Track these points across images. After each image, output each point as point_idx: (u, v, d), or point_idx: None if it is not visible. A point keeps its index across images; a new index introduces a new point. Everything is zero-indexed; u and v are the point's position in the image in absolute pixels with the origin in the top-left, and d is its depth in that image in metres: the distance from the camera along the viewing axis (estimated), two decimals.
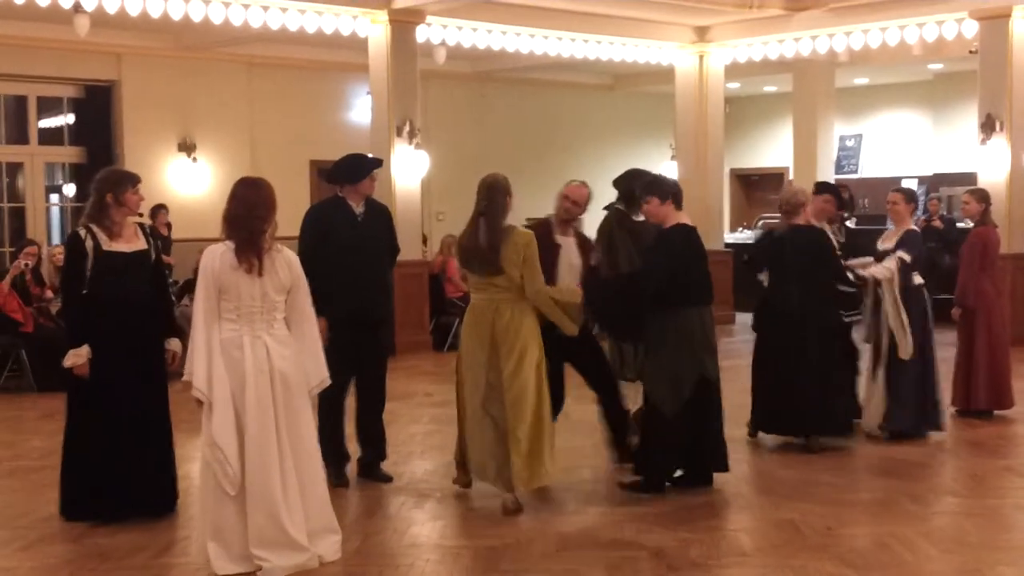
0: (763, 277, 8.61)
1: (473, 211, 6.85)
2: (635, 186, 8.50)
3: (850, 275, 8.58)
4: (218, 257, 5.63)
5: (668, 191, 7.22)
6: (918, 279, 8.68)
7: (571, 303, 7.01)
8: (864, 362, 8.84)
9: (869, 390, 8.74)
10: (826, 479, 7.52)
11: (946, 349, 9.47)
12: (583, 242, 7.82)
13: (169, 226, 14.96)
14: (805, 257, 8.20)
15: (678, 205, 7.20)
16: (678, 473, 7.24)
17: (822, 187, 9.41)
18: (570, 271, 7.56)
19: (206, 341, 5.56)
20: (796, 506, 6.85)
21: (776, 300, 8.31)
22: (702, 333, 7.06)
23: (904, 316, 8.42)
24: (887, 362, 8.56)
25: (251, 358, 5.58)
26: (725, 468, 7.27)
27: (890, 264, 8.53)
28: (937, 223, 16.69)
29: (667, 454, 7.12)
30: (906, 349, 8.43)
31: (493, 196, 6.78)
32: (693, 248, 7.16)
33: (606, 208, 8.33)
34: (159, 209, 14.90)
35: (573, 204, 7.63)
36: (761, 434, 8.67)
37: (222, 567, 5.55)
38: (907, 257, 8.54)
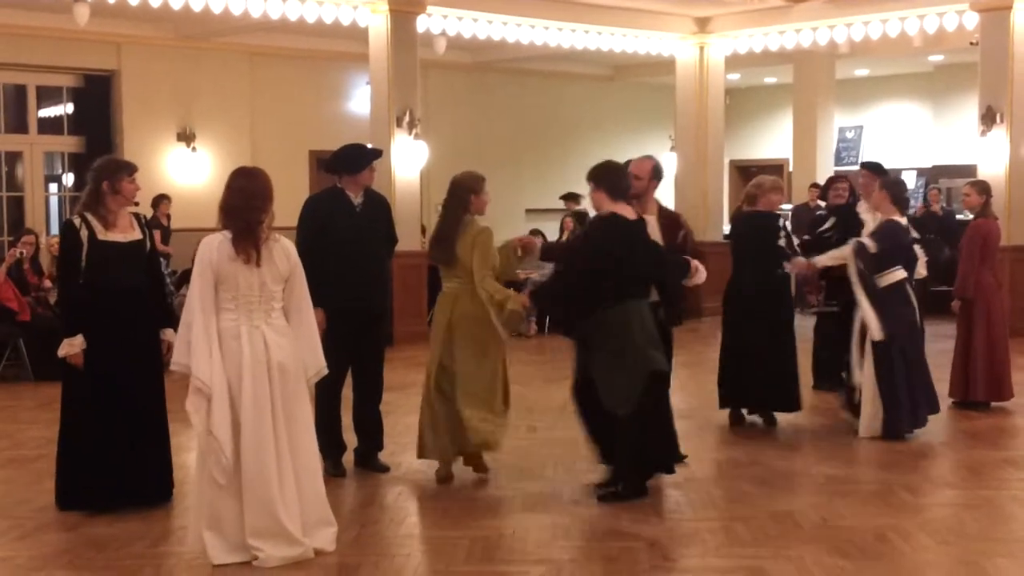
0: None
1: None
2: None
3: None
4: (216, 247, 5.61)
5: (598, 176, 6.88)
6: (897, 274, 8.33)
7: (510, 308, 6.96)
8: (853, 357, 8.61)
9: (863, 392, 8.49)
10: (823, 470, 7.52)
11: (945, 341, 9.47)
12: (666, 217, 7.72)
13: (168, 216, 14.94)
14: (757, 242, 8.76)
15: (613, 195, 6.81)
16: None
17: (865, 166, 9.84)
18: None
19: (205, 331, 5.55)
20: (793, 497, 6.86)
21: (734, 282, 8.92)
22: (642, 328, 6.72)
23: (865, 299, 8.25)
24: (874, 361, 8.34)
25: (249, 348, 5.57)
26: (678, 458, 7.33)
27: (838, 252, 8.52)
28: (936, 209, 16.69)
29: (637, 456, 6.80)
30: (874, 332, 8.24)
31: (454, 191, 7.20)
32: (622, 241, 6.74)
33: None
34: (161, 199, 14.88)
35: (635, 179, 7.40)
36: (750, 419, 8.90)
37: (218, 557, 5.55)
38: (869, 243, 8.28)
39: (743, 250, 8.91)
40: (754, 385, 8.77)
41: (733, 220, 9.42)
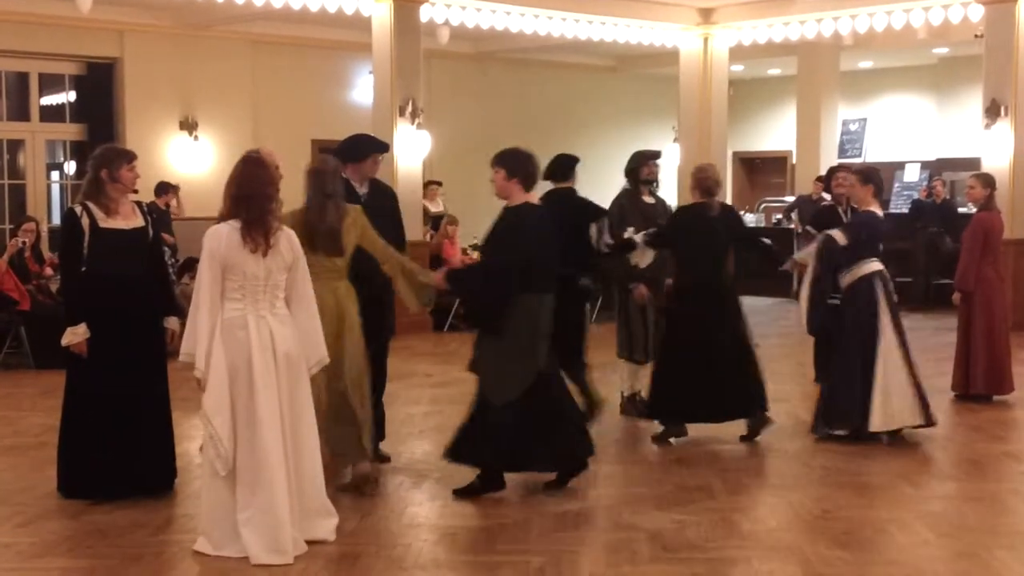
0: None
1: (315, 194, 6.69)
2: (637, 163, 8.70)
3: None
4: (224, 237, 5.58)
5: (518, 167, 6.68)
6: (870, 266, 8.05)
7: (423, 280, 6.82)
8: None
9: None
10: (823, 462, 7.52)
11: (947, 334, 9.47)
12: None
13: (168, 205, 14.86)
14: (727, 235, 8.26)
15: (527, 185, 6.67)
16: (552, 476, 6.80)
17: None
18: None
19: (210, 322, 5.54)
20: (793, 489, 6.86)
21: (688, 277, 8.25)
22: (541, 321, 6.58)
23: (805, 290, 8.15)
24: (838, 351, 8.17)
25: (256, 338, 5.56)
26: (583, 466, 6.88)
27: (812, 248, 8.32)
28: (939, 194, 16.70)
29: (498, 447, 6.54)
30: (805, 325, 8.21)
31: (339, 179, 6.77)
32: (533, 230, 6.58)
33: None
34: (167, 188, 14.77)
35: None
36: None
37: (217, 547, 5.56)
38: (838, 236, 8.09)
39: (721, 244, 8.28)
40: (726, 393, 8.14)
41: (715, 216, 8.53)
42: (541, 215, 6.73)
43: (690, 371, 7.91)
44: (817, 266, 8.11)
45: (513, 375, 6.52)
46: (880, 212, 8.23)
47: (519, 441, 6.52)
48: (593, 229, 8.39)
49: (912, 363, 8.04)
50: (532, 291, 6.54)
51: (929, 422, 8.05)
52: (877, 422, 7.91)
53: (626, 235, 8.50)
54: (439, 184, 16.06)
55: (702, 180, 8.19)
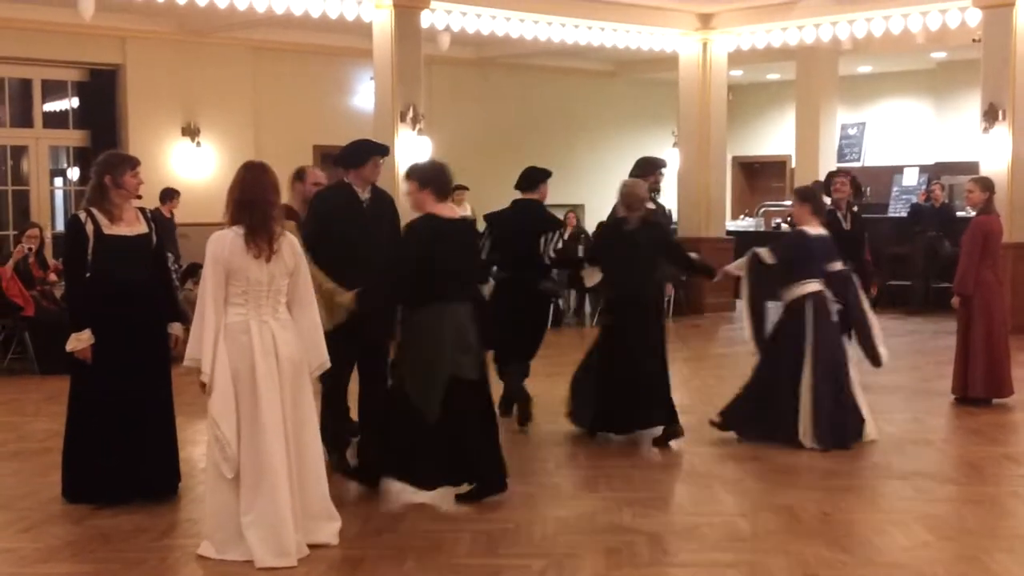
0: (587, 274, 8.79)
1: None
2: (644, 172, 8.78)
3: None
4: (228, 243, 5.62)
5: (430, 178, 6.65)
6: (806, 287, 8.03)
7: (337, 301, 6.75)
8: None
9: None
10: (823, 465, 7.55)
11: (946, 338, 9.50)
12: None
13: (172, 213, 14.77)
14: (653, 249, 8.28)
15: (438, 195, 6.65)
16: (465, 488, 6.69)
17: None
18: None
19: (214, 327, 5.58)
20: (793, 492, 6.89)
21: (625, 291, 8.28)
22: (453, 331, 6.50)
23: (743, 306, 8.31)
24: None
25: (259, 342, 5.60)
26: (503, 486, 6.74)
27: (742, 260, 8.41)
28: (937, 198, 16.73)
29: (390, 448, 6.63)
30: (751, 340, 8.28)
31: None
32: (439, 241, 6.53)
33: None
34: (173, 194, 14.68)
35: None
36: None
37: (221, 551, 5.60)
38: (764, 254, 8.15)
39: (643, 258, 8.24)
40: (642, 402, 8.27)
41: (628, 228, 8.34)
42: (454, 227, 6.69)
43: (608, 382, 8.12)
44: (748, 282, 8.23)
45: (426, 387, 6.49)
46: (817, 232, 8.19)
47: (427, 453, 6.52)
48: (542, 240, 8.70)
49: (835, 385, 7.98)
50: (438, 301, 6.52)
51: (822, 446, 7.87)
52: (804, 432, 7.91)
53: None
54: (466, 188, 15.24)
55: (624, 196, 8.26)
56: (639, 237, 8.17)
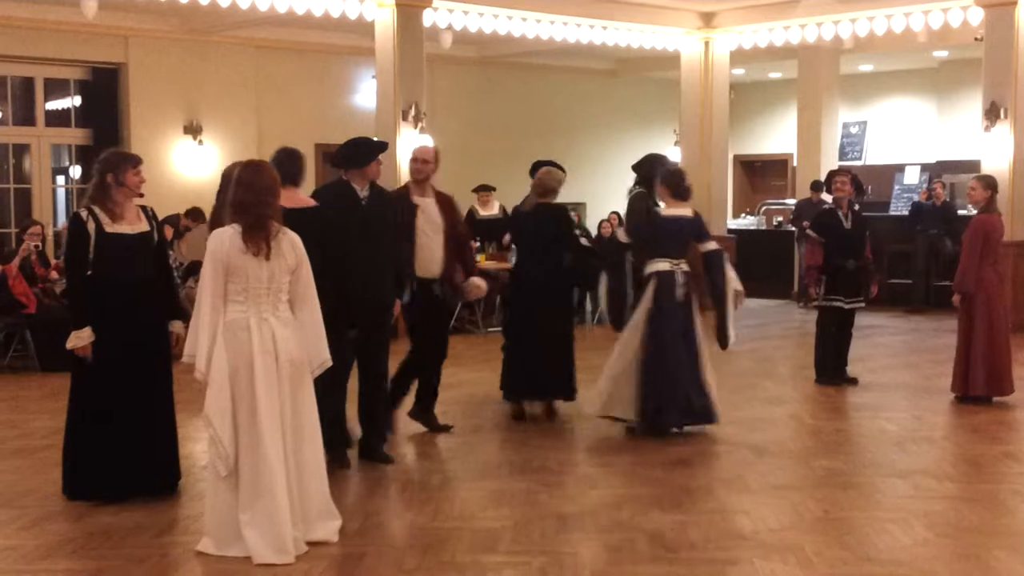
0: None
1: (218, 198, 6.94)
2: (655, 171, 8.80)
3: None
4: (227, 241, 5.64)
5: (284, 171, 6.62)
6: (655, 265, 8.34)
7: None
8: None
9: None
10: (823, 463, 7.56)
11: (948, 335, 9.50)
12: (443, 201, 8.42)
13: (188, 228, 14.51)
14: (547, 232, 8.87)
15: (290, 183, 6.78)
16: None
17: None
18: (434, 229, 8.25)
19: (211, 324, 5.59)
20: (794, 489, 6.89)
21: (522, 272, 9.07)
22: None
23: (602, 287, 8.64)
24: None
25: (258, 340, 5.61)
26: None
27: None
28: (939, 197, 16.72)
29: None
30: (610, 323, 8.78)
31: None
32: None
33: (630, 191, 9.11)
34: (199, 215, 14.48)
35: (423, 163, 8.42)
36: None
37: (220, 547, 5.61)
38: (620, 234, 8.78)
39: (533, 241, 8.95)
40: (537, 374, 8.85)
41: (527, 212, 9.11)
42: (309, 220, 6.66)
43: (512, 353, 8.94)
44: (607, 263, 8.72)
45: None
46: (673, 213, 8.47)
47: None
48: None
49: (664, 363, 8.20)
50: None
51: (645, 422, 8.26)
52: (597, 405, 8.45)
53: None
54: (493, 189, 14.80)
55: (535, 184, 9.01)
56: (536, 222, 8.86)
